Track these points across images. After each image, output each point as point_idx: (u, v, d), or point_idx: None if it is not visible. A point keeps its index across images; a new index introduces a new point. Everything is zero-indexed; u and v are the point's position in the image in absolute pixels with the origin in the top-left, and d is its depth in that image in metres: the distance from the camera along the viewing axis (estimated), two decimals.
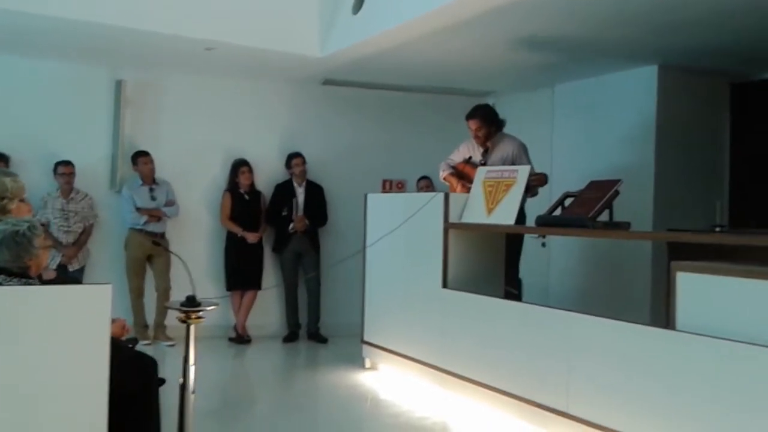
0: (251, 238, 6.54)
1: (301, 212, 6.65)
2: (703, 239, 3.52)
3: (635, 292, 5.57)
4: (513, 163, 5.02)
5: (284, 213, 6.64)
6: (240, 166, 6.59)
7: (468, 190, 4.90)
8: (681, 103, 5.83)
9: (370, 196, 5.62)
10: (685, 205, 5.69)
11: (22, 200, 3.41)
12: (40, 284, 2.98)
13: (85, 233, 6.21)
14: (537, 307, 4.09)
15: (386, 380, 5.20)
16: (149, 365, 3.27)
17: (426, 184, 6.92)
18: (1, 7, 4.75)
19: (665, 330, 3.23)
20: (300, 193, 6.72)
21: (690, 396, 3.05)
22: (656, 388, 3.20)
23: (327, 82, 6.93)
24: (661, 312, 3.82)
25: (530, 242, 5.43)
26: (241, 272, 6.55)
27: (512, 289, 5.00)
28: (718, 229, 4.91)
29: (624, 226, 3.91)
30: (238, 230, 6.54)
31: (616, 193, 3.93)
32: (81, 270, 6.15)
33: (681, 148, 5.82)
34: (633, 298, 5.52)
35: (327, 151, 7.02)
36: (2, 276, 2.86)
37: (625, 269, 5.74)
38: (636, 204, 5.21)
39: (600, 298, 5.74)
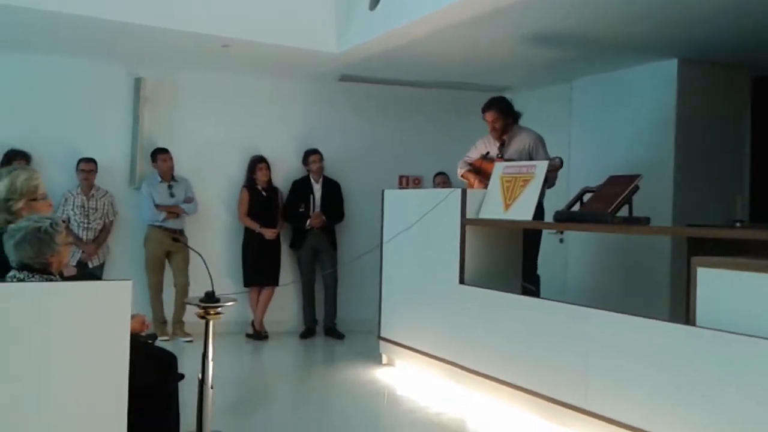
0: (269, 234, 6.57)
1: (318, 209, 6.67)
2: (724, 234, 3.48)
3: (655, 288, 5.52)
4: (530, 156, 5.00)
5: (301, 209, 6.66)
6: (257, 162, 6.62)
7: (485, 186, 4.88)
8: (701, 97, 5.77)
9: (387, 192, 5.62)
10: (705, 199, 5.63)
11: (35, 199, 3.43)
12: (61, 281, 3.01)
13: (105, 230, 6.27)
14: (555, 303, 4.08)
15: (403, 376, 5.21)
16: (168, 361, 3.30)
17: (443, 179, 6.90)
18: (20, 5, 4.80)
19: (685, 326, 3.20)
20: (317, 189, 6.73)
21: (710, 392, 3.02)
22: (676, 384, 3.17)
23: (344, 78, 6.93)
24: (681, 308, 3.78)
25: (548, 238, 5.41)
26: (258, 268, 6.58)
27: (530, 285, 4.98)
28: (738, 223, 4.85)
29: (643, 222, 3.87)
30: (255, 226, 6.57)
31: (636, 188, 3.89)
32: (101, 266, 6.21)
33: (701, 142, 5.76)
34: (652, 294, 5.47)
35: (344, 147, 7.03)
36: (24, 272, 2.90)
37: (645, 265, 5.70)
38: (655, 199, 5.16)
39: (619, 294, 5.70)
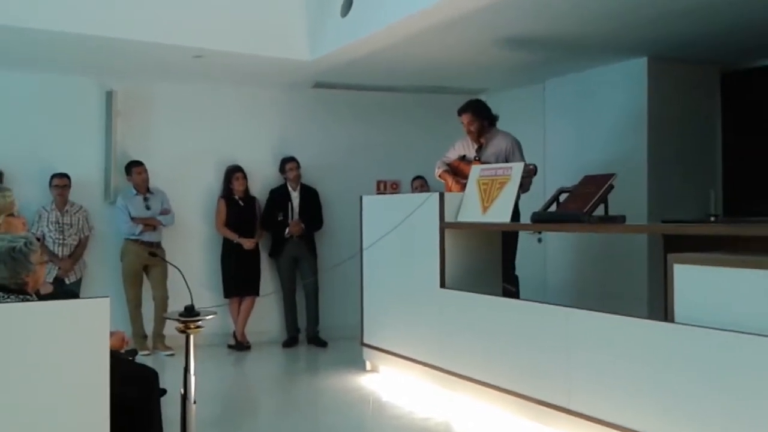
0: (247, 244, 6.54)
1: (296, 216, 6.65)
2: (699, 230, 3.53)
3: (633, 286, 5.58)
4: (506, 159, 5.03)
5: (280, 218, 6.64)
6: (234, 172, 6.58)
7: (463, 187, 4.90)
8: (672, 94, 5.85)
9: (365, 198, 5.62)
10: (679, 195, 5.71)
11: (11, 215, 3.40)
12: (37, 300, 2.97)
13: (81, 245, 6.20)
14: (535, 303, 4.10)
15: (387, 382, 5.20)
16: (150, 377, 3.27)
17: (420, 183, 6.92)
18: None
19: (664, 323, 3.24)
20: (295, 197, 6.71)
21: (690, 387, 3.06)
22: (656, 380, 3.21)
23: (318, 85, 6.93)
24: (660, 304, 3.83)
25: (526, 238, 5.45)
26: (238, 279, 6.54)
27: (510, 286, 5.01)
28: (713, 218, 4.94)
29: (619, 220, 3.92)
30: (233, 237, 6.53)
31: (611, 187, 3.94)
32: (78, 282, 6.13)
33: (673, 138, 5.84)
34: (631, 291, 5.53)
35: (320, 154, 7.02)
36: (0, 293, 2.85)
37: (622, 262, 5.76)
38: (630, 196, 5.22)
39: (597, 293, 5.76)
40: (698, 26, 4.90)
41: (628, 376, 3.35)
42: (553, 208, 4.23)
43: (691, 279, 3.13)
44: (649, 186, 5.72)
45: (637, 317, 3.43)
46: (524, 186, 4.68)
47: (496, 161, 5.00)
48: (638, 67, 5.82)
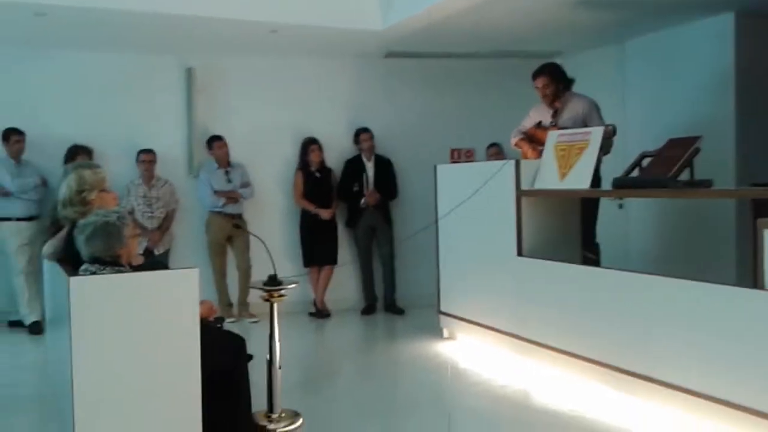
0: (325, 214, 6.65)
1: (371, 187, 6.71)
2: None
3: (720, 253, 5.38)
4: (584, 123, 4.91)
5: (355, 188, 6.72)
6: (309, 144, 6.68)
7: (540, 153, 4.82)
8: (761, 51, 5.53)
9: (439, 167, 5.62)
10: None
11: (104, 190, 3.57)
12: (131, 271, 3.13)
13: (168, 218, 6.46)
14: (616, 271, 4.02)
15: (465, 349, 5.24)
16: (238, 343, 3.40)
17: (496, 151, 6.84)
18: (70, 5, 4.94)
19: (752, 290, 3.13)
20: (369, 167, 6.77)
21: None
22: (743, 349, 3.11)
23: (390, 54, 6.91)
24: (748, 271, 3.69)
25: (607, 204, 5.31)
26: (316, 249, 6.68)
27: (590, 254, 4.92)
28: None
29: (706, 184, 3.77)
30: (311, 207, 6.66)
31: (697, 150, 3.79)
32: (166, 253, 6.41)
33: (762, 97, 5.53)
34: (718, 258, 5.33)
35: (394, 124, 7.03)
36: (96, 265, 3.02)
37: (708, 229, 5.55)
38: (717, 160, 5.01)
39: (683, 260, 5.58)
40: None
41: (713, 345, 3.26)
42: (636, 172, 4.11)
43: None
44: (737, 148, 5.46)
45: (724, 284, 3.32)
46: (604, 147, 4.56)
47: (574, 126, 4.88)
48: (724, 23, 5.52)
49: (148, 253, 6.12)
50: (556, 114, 5.09)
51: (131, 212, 6.14)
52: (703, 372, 3.33)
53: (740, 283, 3.97)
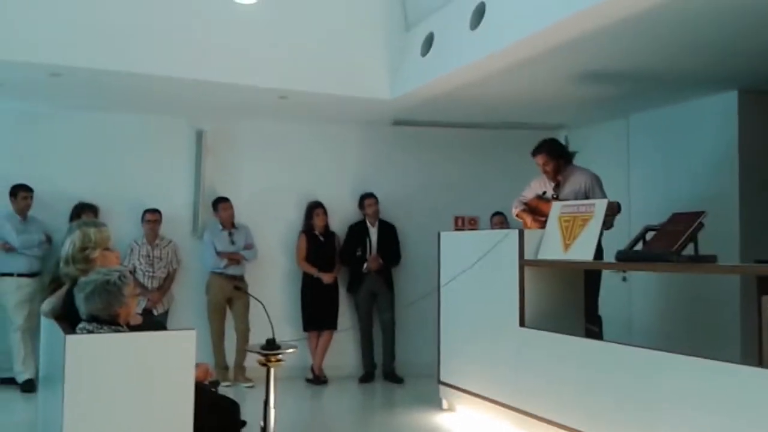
0: (327, 278, 6.63)
1: (374, 252, 6.71)
2: None
3: (724, 329, 5.31)
4: (586, 196, 4.93)
5: (358, 253, 6.71)
6: (314, 208, 6.72)
7: (541, 225, 4.83)
8: (764, 128, 5.60)
9: (443, 234, 5.62)
10: None
11: (107, 249, 3.57)
12: (128, 331, 3.10)
13: (169, 278, 6.44)
14: (618, 345, 3.96)
15: (465, 422, 5.12)
16: (232, 408, 3.34)
17: (500, 220, 6.85)
18: (86, 66, 5.08)
19: (758, 368, 3.07)
20: (373, 232, 6.78)
21: None
22: (749, 428, 3.02)
23: (397, 122, 7.03)
24: (753, 349, 3.62)
25: (610, 277, 5.29)
26: (317, 313, 6.63)
27: (592, 326, 4.86)
28: None
29: (710, 260, 3.76)
30: (313, 271, 6.64)
31: (701, 225, 3.79)
32: (165, 313, 6.37)
33: (765, 174, 5.57)
34: (721, 335, 5.26)
35: (399, 190, 7.08)
36: (93, 324, 3.00)
37: (712, 304, 5.49)
38: (722, 235, 4.99)
39: (685, 335, 5.51)
40: None
41: (718, 424, 3.17)
42: (639, 246, 4.10)
43: None
44: (741, 224, 5.46)
45: (729, 362, 3.26)
46: (607, 223, 4.57)
47: (575, 199, 4.90)
48: (728, 101, 5.61)
49: (147, 312, 6.07)
50: (558, 186, 5.12)
51: (133, 271, 6.13)
52: None
53: (745, 360, 3.90)
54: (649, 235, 4.08)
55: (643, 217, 5.10)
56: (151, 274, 6.32)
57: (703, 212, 3.85)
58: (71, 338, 2.80)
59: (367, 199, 6.82)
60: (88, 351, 2.80)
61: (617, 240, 4.59)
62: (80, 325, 3.02)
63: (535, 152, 5.14)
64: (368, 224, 6.81)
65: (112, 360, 2.82)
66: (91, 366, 2.77)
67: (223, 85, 5.52)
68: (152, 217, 6.38)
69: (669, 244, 3.80)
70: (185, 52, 5.29)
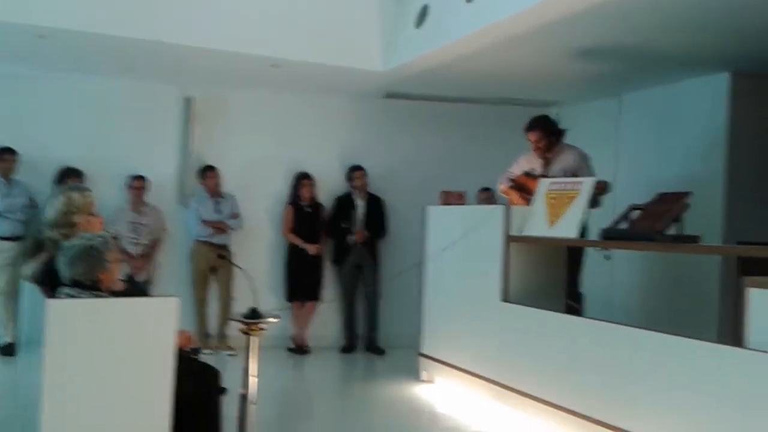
0: (312, 249, 6.63)
1: (361, 224, 6.70)
2: None
3: (703, 309, 5.36)
4: (574, 174, 4.93)
5: (344, 225, 6.71)
6: (302, 179, 6.70)
7: (527, 202, 4.84)
8: (753, 111, 5.60)
9: (430, 208, 5.62)
10: (757, 217, 5.45)
11: (91, 214, 3.54)
12: (110, 297, 3.09)
13: (154, 245, 6.42)
14: (599, 322, 4.00)
15: (443, 393, 5.17)
16: (212, 375, 3.35)
17: (487, 196, 6.85)
18: (75, 29, 4.99)
19: (735, 348, 3.11)
20: (360, 205, 6.77)
21: (761, 416, 2.92)
22: (725, 407, 3.08)
23: (389, 95, 6.98)
24: (730, 329, 3.67)
25: (592, 255, 5.31)
26: (301, 284, 6.64)
27: (573, 303, 4.90)
28: None
29: (693, 240, 3.79)
30: (299, 242, 6.63)
31: (686, 205, 3.81)
32: (149, 281, 6.35)
33: (753, 157, 5.59)
34: (701, 314, 5.32)
35: (388, 163, 7.06)
36: (75, 289, 2.98)
37: (693, 284, 5.54)
38: (706, 216, 5.03)
39: (666, 314, 5.56)
40: None
41: (695, 401, 3.22)
42: (624, 225, 4.12)
43: (765, 303, 2.99)
44: (726, 206, 5.49)
45: (707, 341, 3.30)
46: (595, 202, 4.58)
47: (564, 176, 4.90)
48: (720, 82, 5.60)
49: (130, 279, 6.05)
50: (546, 164, 5.12)
51: (116, 237, 6.09)
52: (684, 427, 3.28)
53: (722, 340, 3.95)
54: (635, 215, 4.10)
55: (629, 197, 5.08)
56: (135, 240, 6.29)
57: (688, 193, 3.87)
58: (52, 303, 2.79)
59: (355, 171, 6.80)
60: (70, 316, 2.78)
61: (603, 219, 4.60)
62: (62, 290, 3.00)
63: (529, 128, 5.11)
64: (356, 197, 6.79)
65: (94, 325, 2.81)
66: (72, 331, 2.76)
67: (213, 51, 5.43)
68: (137, 184, 6.33)
69: (653, 223, 3.83)
70: (175, 17, 5.20)
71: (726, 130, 5.56)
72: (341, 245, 6.75)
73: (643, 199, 4.26)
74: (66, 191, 3.56)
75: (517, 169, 5.26)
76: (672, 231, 3.80)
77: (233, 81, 6.57)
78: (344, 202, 6.79)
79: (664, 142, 6.08)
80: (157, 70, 6.23)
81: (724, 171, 5.53)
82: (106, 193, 6.05)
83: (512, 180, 5.24)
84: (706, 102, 5.73)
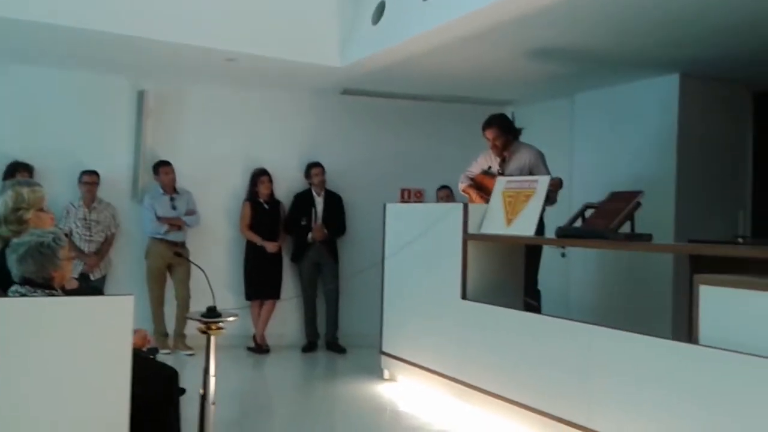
0: (270, 247, 6.57)
1: (320, 221, 6.67)
2: (726, 252, 3.47)
3: (657, 305, 5.51)
4: (530, 172, 5.01)
5: (303, 222, 6.67)
6: (259, 175, 6.63)
7: (487, 201, 4.88)
8: (703, 113, 5.78)
9: (388, 206, 5.63)
10: (707, 215, 5.63)
11: (41, 210, 3.44)
12: (63, 295, 3.01)
13: (107, 242, 6.27)
14: (556, 319, 4.07)
15: (405, 391, 5.19)
16: (170, 376, 3.29)
17: (446, 194, 6.91)
18: (26, 18, 4.83)
19: (688, 344, 3.19)
20: (319, 202, 6.74)
21: (713, 411, 3.01)
22: (678, 402, 3.16)
23: (346, 91, 6.96)
24: (683, 325, 3.77)
25: (549, 253, 5.40)
26: (260, 282, 6.58)
27: (531, 301, 4.97)
28: (741, 239, 4.86)
29: (645, 238, 3.87)
30: (257, 240, 6.57)
31: (638, 204, 3.90)
32: (102, 279, 6.21)
33: (703, 157, 5.76)
34: (654, 311, 5.46)
35: (346, 160, 7.04)
36: (26, 287, 2.90)
37: (647, 282, 5.69)
38: (658, 215, 5.15)
39: (621, 311, 5.69)
40: (732, 45, 4.84)
41: (649, 396, 3.30)
42: (579, 223, 4.19)
43: (717, 301, 3.08)
44: (677, 205, 5.64)
45: (661, 338, 3.38)
46: (551, 198, 4.65)
47: (520, 174, 4.98)
48: (670, 84, 5.75)
49: (83, 277, 5.91)
50: (503, 162, 5.18)
51: (68, 234, 5.94)
52: (638, 422, 3.36)
53: (676, 336, 4.06)
54: (589, 213, 4.17)
55: (584, 196, 5.21)
56: (88, 237, 6.14)
57: (640, 192, 3.96)
58: (2, 302, 2.71)
59: (313, 168, 6.76)
60: (21, 315, 2.69)
61: (559, 217, 4.68)
62: (12, 288, 2.91)
63: (486, 126, 5.17)
64: (314, 193, 6.76)
65: (46, 325, 2.73)
66: (23, 331, 2.67)
67: (166, 43, 5.32)
68: (90, 179, 6.18)
69: (606, 221, 3.90)
70: (126, 7, 5.07)
71: (676, 131, 5.71)
72: (300, 243, 6.71)
73: (597, 197, 4.35)
74: (15, 186, 3.44)
75: (477, 167, 5.31)
76: (625, 229, 3.88)
77: (188, 74, 6.46)
78: (303, 199, 6.75)
79: (617, 141, 6.21)
80: (109, 62, 6.07)
81: (675, 170, 5.68)
82: (57, 188, 5.89)
83: (471, 179, 5.29)
84: (657, 103, 5.88)
